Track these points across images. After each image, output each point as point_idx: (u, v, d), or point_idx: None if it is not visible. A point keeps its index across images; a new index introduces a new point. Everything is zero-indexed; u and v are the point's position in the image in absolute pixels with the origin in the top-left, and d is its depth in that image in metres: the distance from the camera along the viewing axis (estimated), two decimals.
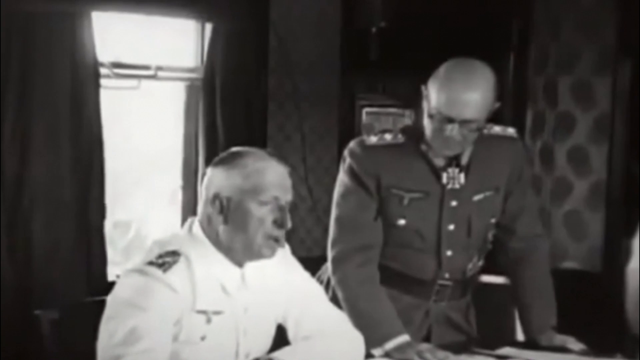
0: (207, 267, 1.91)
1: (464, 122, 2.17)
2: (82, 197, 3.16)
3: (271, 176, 1.91)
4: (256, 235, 1.90)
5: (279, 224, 1.91)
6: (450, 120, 2.17)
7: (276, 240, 1.93)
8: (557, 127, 4.17)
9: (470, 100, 2.15)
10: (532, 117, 4.20)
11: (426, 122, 2.24)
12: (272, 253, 1.95)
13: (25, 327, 2.33)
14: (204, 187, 1.95)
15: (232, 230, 1.90)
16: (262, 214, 1.90)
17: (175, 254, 1.88)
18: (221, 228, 1.91)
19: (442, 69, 2.22)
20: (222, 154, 1.98)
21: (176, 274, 1.85)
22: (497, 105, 2.25)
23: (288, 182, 1.94)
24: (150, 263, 1.86)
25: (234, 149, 1.98)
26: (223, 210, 1.89)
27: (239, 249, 1.92)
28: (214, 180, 1.92)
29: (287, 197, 1.93)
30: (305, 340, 2.04)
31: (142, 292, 1.82)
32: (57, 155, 3.10)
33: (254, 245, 1.91)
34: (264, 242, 1.91)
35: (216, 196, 1.90)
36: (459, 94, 2.15)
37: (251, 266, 1.98)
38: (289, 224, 1.92)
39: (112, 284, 1.91)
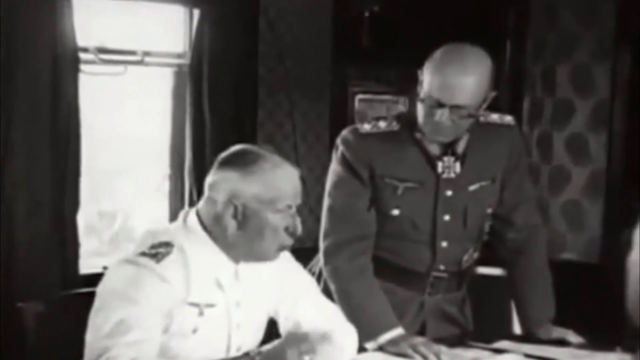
0: (201, 259, 1.91)
1: (454, 108, 2.14)
2: (59, 188, 3.12)
3: (288, 185, 1.92)
4: (271, 244, 1.93)
5: (290, 231, 1.93)
6: (441, 104, 2.14)
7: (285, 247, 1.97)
8: (555, 114, 4.16)
9: (462, 85, 2.13)
10: (529, 105, 4.21)
11: (419, 107, 2.22)
12: (275, 259, 1.98)
13: (7, 320, 2.29)
14: (212, 185, 1.93)
15: (246, 236, 1.91)
16: (276, 221, 1.91)
17: (168, 244, 1.88)
18: (233, 231, 1.91)
19: (437, 53, 2.20)
20: (231, 153, 1.95)
21: (169, 265, 1.84)
22: (493, 94, 2.23)
23: (300, 187, 1.96)
24: (143, 254, 1.86)
25: (244, 148, 1.96)
26: (237, 216, 1.90)
27: (247, 252, 1.94)
28: (228, 183, 1.90)
29: (298, 202, 1.95)
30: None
31: (134, 283, 1.81)
32: (36, 145, 3.05)
33: (267, 253, 1.94)
34: (274, 251, 1.95)
35: (231, 201, 1.89)
36: (451, 79, 2.13)
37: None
38: (300, 230, 1.95)
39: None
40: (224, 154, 1.95)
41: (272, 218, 1.90)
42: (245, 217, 1.89)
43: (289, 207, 1.92)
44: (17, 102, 2.99)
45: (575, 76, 4.11)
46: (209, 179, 1.94)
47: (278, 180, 1.90)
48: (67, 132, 3.11)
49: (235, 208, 1.89)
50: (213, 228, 1.92)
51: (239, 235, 1.90)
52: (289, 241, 1.94)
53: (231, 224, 1.90)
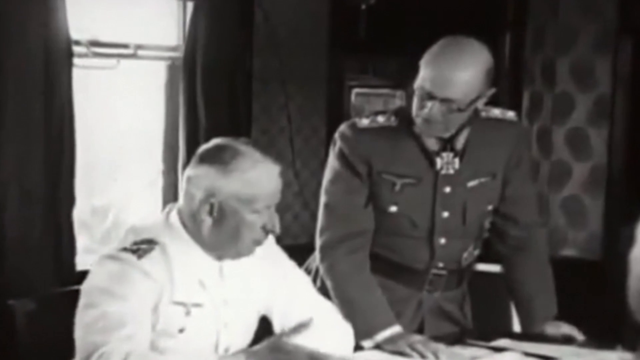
0: (184, 258, 1.90)
1: (444, 101, 2.12)
2: (52, 183, 3.08)
3: (268, 185, 1.90)
4: (245, 240, 1.91)
5: (267, 229, 1.92)
6: (432, 97, 2.12)
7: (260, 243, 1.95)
8: (555, 108, 4.13)
9: (452, 78, 2.11)
10: (529, 99, 4.19)
11: (413, 99, 2.20)
12: (251, 253, 1.96)
13: None
14: (190, 181, 1.90)
15: (221, 233, 1.89)
16: (253, 220, 1.89)
17: (151, 242, 1.87)
18: (209, 228, 1.89)
19: (435, 46, 2.18)
20: (210, 147, 1.92)
21: (151, 261, 1.84)
22: (492, 91, 2.20)
23: (280, 185, 1.93)
24: (124, 249, 1.85)
25: (224, 143, 1.93)
26: (213, 213, 1.87)
27: (223, 249, 1.92)
28: (206, 179, 1.87)
29: (277, 200, 1.93)
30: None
31: (118, 278, 1.81)
32: (29, 140, 3.01)
33: (240, 249, 1.92)
34: (249, 246, 1.93)
35: (208, 198, 1.87)
36: (443, 71, 2.11)
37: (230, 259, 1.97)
38: (278, 228, 1.93)
39: (84, 273, 1.87)
40: (203, 148, 1.93)
41: (249, 217, 1.88)
42: (222, 215, 1.87)
43: (268, 207, 1.90)
44: (9, 96, 2.95)
45: (575, 69, 4.10)
46: (187, 173, 1.92)
47: (258, 180, 1.87)
48: (61, 126, 3.07)
49: (212, 205, 1.87)
50: (191, 225, 1.90)
51: (215, 233, 1.89)
52: (264, 237, 1.93)
53: (206, 221, 1.88)
